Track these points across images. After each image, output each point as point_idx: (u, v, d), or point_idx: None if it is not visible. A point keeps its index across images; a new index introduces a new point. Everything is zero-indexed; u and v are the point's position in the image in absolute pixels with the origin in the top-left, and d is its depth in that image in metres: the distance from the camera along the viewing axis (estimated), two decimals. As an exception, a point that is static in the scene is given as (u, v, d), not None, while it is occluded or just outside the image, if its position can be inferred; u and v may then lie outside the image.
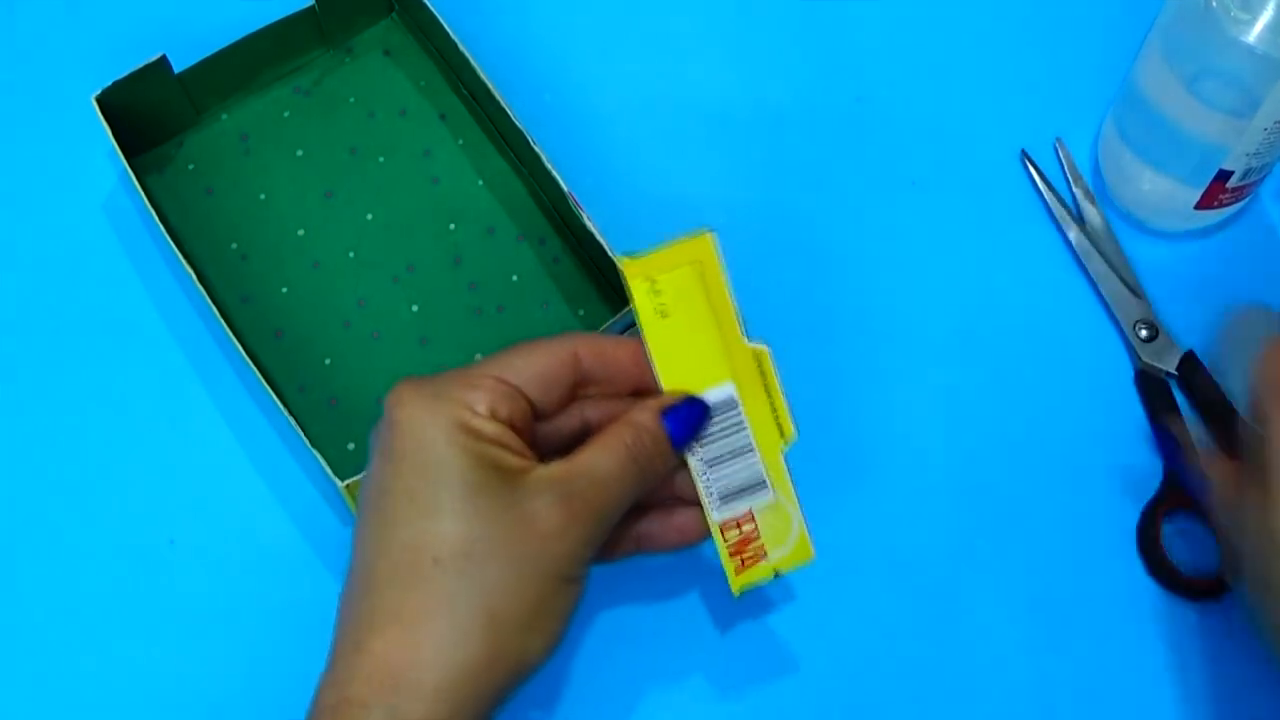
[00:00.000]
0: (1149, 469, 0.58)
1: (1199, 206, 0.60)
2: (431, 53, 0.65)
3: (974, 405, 0.60)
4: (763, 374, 0.49)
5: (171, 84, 0.61)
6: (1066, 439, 0.59)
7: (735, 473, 0.49)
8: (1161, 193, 0.60)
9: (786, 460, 0.49)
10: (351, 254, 0.62)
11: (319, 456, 0.53)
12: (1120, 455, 0.59)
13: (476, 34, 0.62)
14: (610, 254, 0.57)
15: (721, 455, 0.49)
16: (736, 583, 0.49)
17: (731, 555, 0.49)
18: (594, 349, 0.48)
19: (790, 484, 0.49)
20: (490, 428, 0.45)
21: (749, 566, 0.49)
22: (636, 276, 0.48)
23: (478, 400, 0.45)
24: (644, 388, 0.49)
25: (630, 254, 0.48)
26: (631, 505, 0.47)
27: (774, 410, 0.49)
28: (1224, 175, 0.58)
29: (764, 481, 0.49)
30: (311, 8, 0.63)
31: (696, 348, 0.48)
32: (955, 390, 0.60)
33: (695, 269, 0.48)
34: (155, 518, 0.57)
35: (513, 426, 0.45)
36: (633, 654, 0.55)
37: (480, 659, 0.43)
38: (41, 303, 0.61)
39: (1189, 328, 0.61)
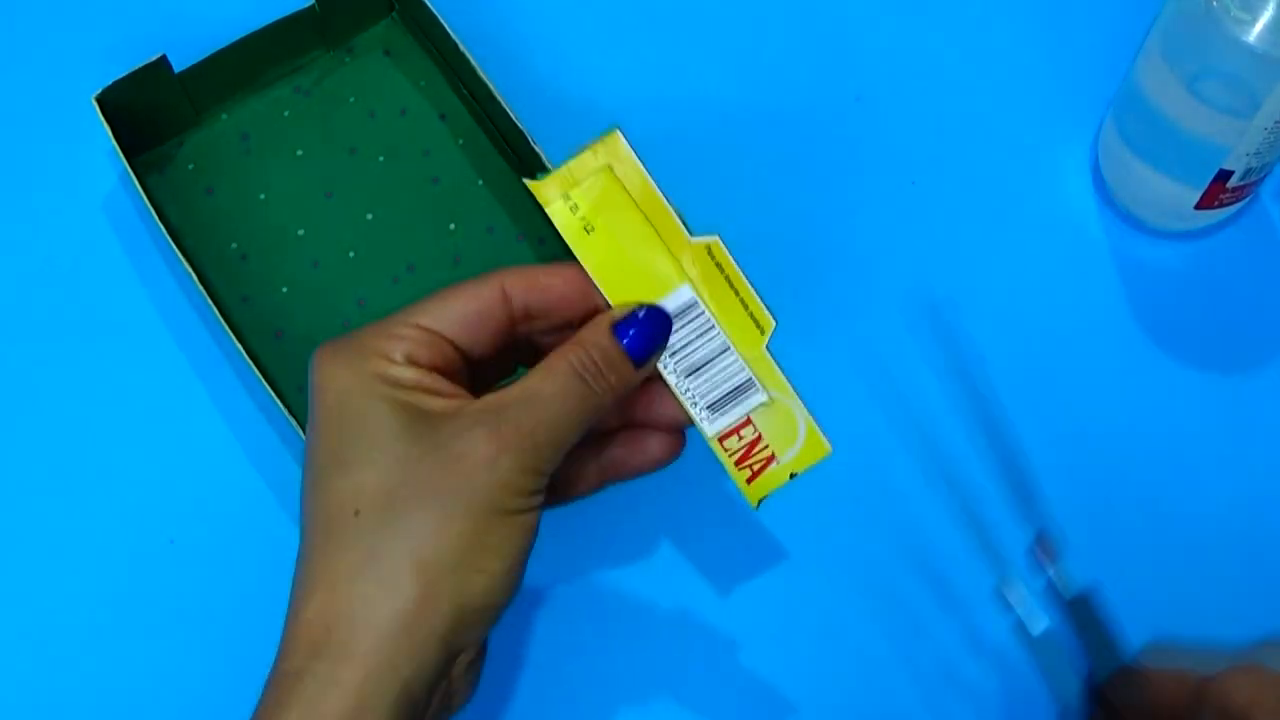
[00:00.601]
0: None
1: (1199, 206, 0.60)
2: (431, 53, 0.65)
3: (977, 407, 0.60)
4: (720, 267, 0.45)
5: (171, 84, 0.61)
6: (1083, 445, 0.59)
7: (717, 377, 0.45)
8: (1161, 193, 0.60)
9: (773, 354, 0.46)
10: (351, 254, 0.62)
11: (319, 456, 0.53)
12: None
13: (476, 34, 0.62)
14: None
15: (697, 362, 0.45)
16: (752, 494, 0.46)
17: (738, 466, 0.45)
18: (524, 281, 0.45)
19: (783, 378, 0.45)
20: (408, 374, 0.42)
21: (761, 474, 0.45)
22: (548, 196, 0.45)
23: (394, 349, 0.43)
24: (594, 314, 0.45)
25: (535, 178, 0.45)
26: (588, 429, 0.44)
27: (744, 303, 0.45)
28: (1224, 175, 0.58)
29: (752, 381, 0.45)
30: (311, 8, 0.63)
31: (637, 256, 0.45)
32: (957, 389, 0.60)
33: (609, 174, 0.45)
34: (155, 518, 0.57)
35: (437, 371, 0.43)
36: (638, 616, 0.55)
37: (411, 608, 0.40)
38: (41, 303, 0.61)
39: (1189, 328, 0.61)
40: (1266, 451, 0.59)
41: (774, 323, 0.45)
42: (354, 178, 0.63)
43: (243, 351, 0.55)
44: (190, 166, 0.63)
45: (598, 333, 0.44)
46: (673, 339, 0.45)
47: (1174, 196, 0.60)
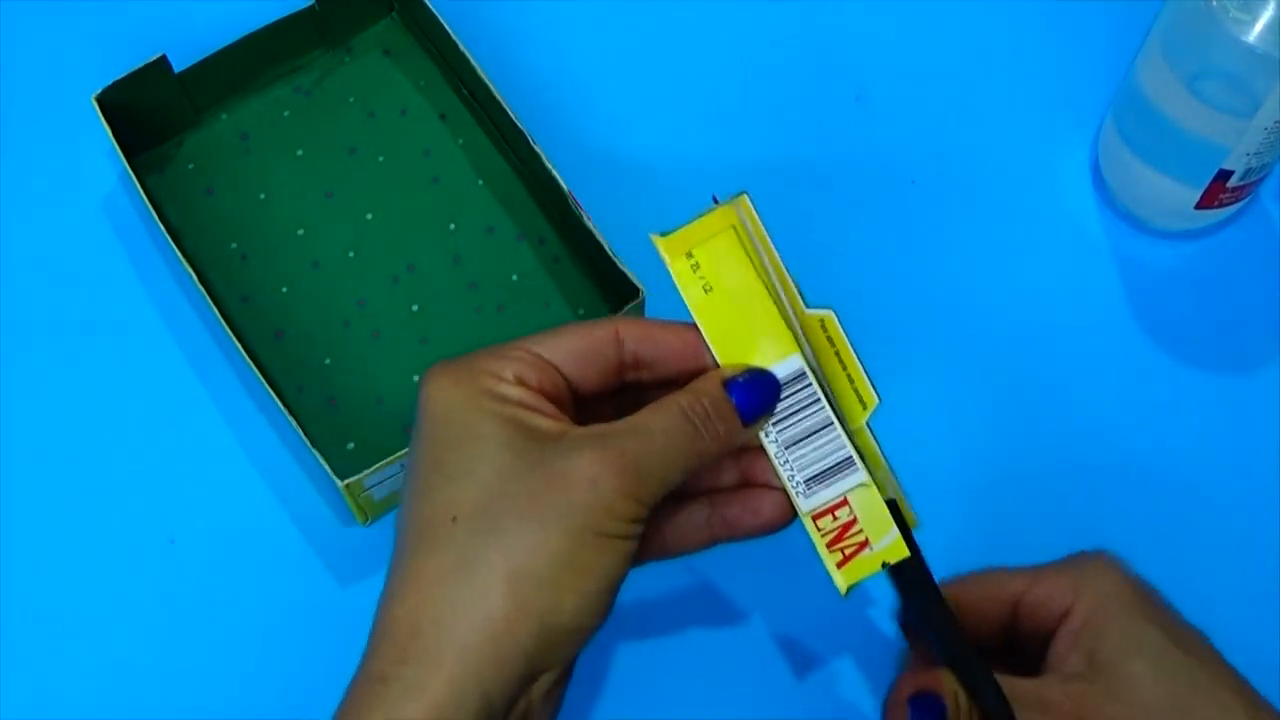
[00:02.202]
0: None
1: (1199, 206, 0.60)
2: (431, 53, 0.65)
3: (976, 407, 0.60)
4: (831, 340, 0.45)
5: (171, 84, 0.61)
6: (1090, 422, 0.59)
7: (818, 451, 0.44)
8: (1161, 193, 0.60)
9: (873, 430, 0.45)
10: (351, 254, 0.62)
11: (319, 456, 0.53)
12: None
13: (476, 34, 0.62)
14: (610, 254, 0.57)
15: (799, 435, 0.44)
16: (842, 580, 0.44)
17: (830, 548, 0.44)
18: (639, 330, 0.45)
19: (883, 458, 0.45)
20: (516, 392, 0.43)
21: (852, 559, 0.44)
22: (672, 253, 0.45)
23: (504, 368, 0.43)
24: (702, 373, 0.45)
25: (662, 232, 0.46)
26: (692, 473, 0.44)
27: (850, 379, 0.45)
28: (1224, 175, 0.58)
29: (851, 459, 0.44)
30: (311, 8, 0.63)
31: (752, 321, 0.44)
32: (956, 388, 0.60)
33: (734, 235, 0.44)
34: (155, 518, 0.57)
35: (544, 395, 0.43)
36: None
37: (499, 618, 0.40)
38: (41, 303, 0.61)
39: (1189, 328, 0.61)
40: (1266, 451, 0.59)
41: (877, 400, 0.45)
42: (354, 178, 0.63)
43: (243, 351, 0.55)
44: (190, 166, 0.63)
45: (709, 383, 0.44)
46: (778, 407, 0.45)
47: (1174, 196, 0.60)
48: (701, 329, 0.45)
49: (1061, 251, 0.63)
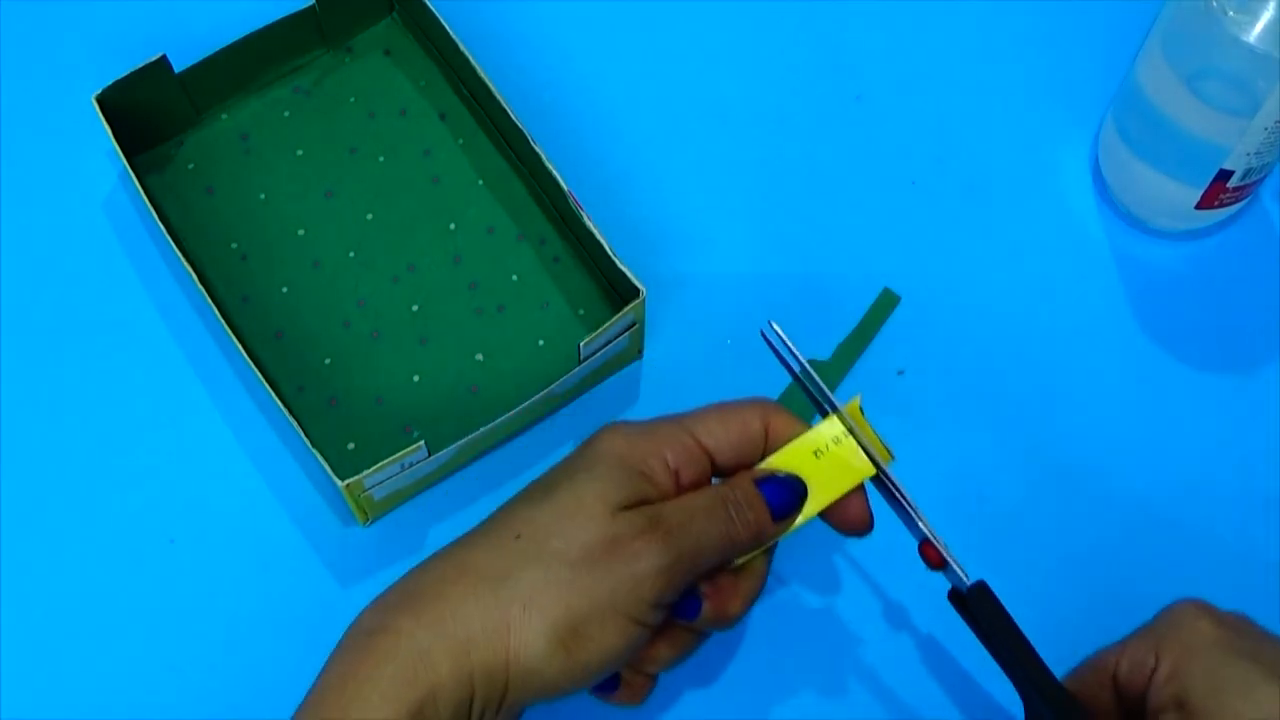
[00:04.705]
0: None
1: (1199, 206, 0.60)
2: (431, 53, 0.65)
3: (976, 407, 0.60)
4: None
5: (171, 84, 0.61)
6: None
7: None
8: (1162, 193, 0.60)
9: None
10: (351, 254, 0.62)
11: (319, 456, 0.53)
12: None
13: (476, 34, 0.62)
14: (610, 254, 0.57)
15: None
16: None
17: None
18: (783, 426, 0.49)
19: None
20: (662, 480, 0.46)
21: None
22: (837, 422, 0.49)
23: (670, 455, 0.47)
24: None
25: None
26: (723, 558, 0.47)
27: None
28: (1224, 175, 0.58)
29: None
30: (311, 8, 0.63)
31: (824, 481, 0.49)
32: (956, 388, 0.60)
33: (862, 464, 0.49)
34: (155, 518, 0.57)
35: (682, 485, 0.47)
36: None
37: (499, 646, 0.43)
38: (41, 302, 0.61)
39: (1189, 328, 0.61)
40: (1266, 451, 0.59)
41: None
42: (354, 178, 0.63)
43: (243, 351, 0.55)
44: (190, 166, 0.63)
45: (743, 477, 0.48)
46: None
47: (1174, 196, 0.60)
48: (782, 458, 0.49)
49: (1062, 251, 0.63)
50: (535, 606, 0.43)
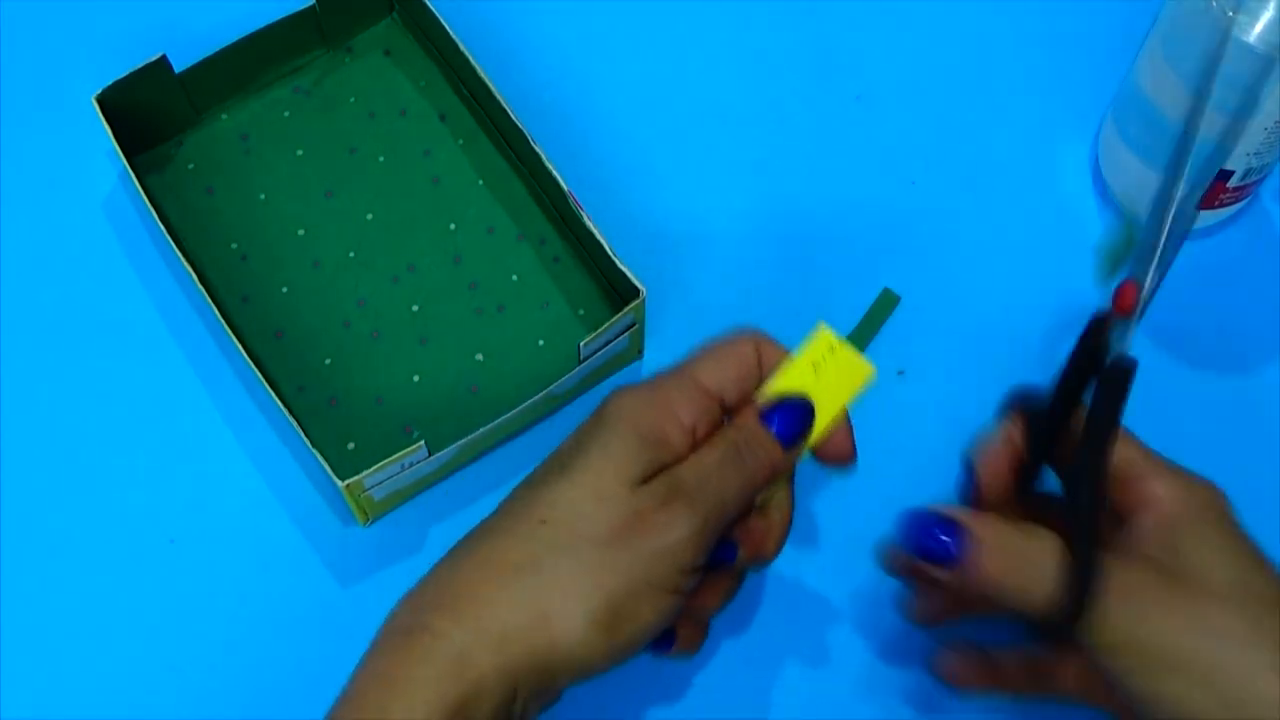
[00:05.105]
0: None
1: (1199, 206, 0.60)
2: (431, 53, 0.65)
3: (975, 406, 0.60)
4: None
5: (171, 84, 0.61)
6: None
7: None
8: (1162, 193, 0.60)
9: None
10: (351, 254, 0.62)
11: (319, 456, 0.53)
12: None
13: (476, 34, 0.62)
14: (610, 254, 0.57)
15: None
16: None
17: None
18: (774, 351, 0.49)
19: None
20: (679, 443, 0.46)
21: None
22: (822, 338, 0.49)
23: (684, 410, 0.46)
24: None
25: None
26: (745, 502, 0.47)
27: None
28: (1224, 175, 0.58)
29: None
30: (311, 8, 0.63)
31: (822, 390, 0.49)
32: (956, 388, 0.60)
33: (858, 370, 0.49)
34: (155, 518, 0.57)
35: (697, 438, 0.46)
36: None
37: (541, 638, 0.43)
38: (41, 303, 0.61)
39: (1189, 328, 0.61)
40: (1267, 451, 0.59)
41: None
42: (354, 178, 0.63)
43: (243, 351, 0.55)
44: (190, 166, 0.63)
45: (746, 416, 0.48)
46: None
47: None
48: (779, 380, 0.48)
49: (1062, 251, 0.63)
50: (572, 594, 0.43)
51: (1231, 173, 0.57)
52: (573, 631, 0.43)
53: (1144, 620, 0.44)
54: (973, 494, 0.49)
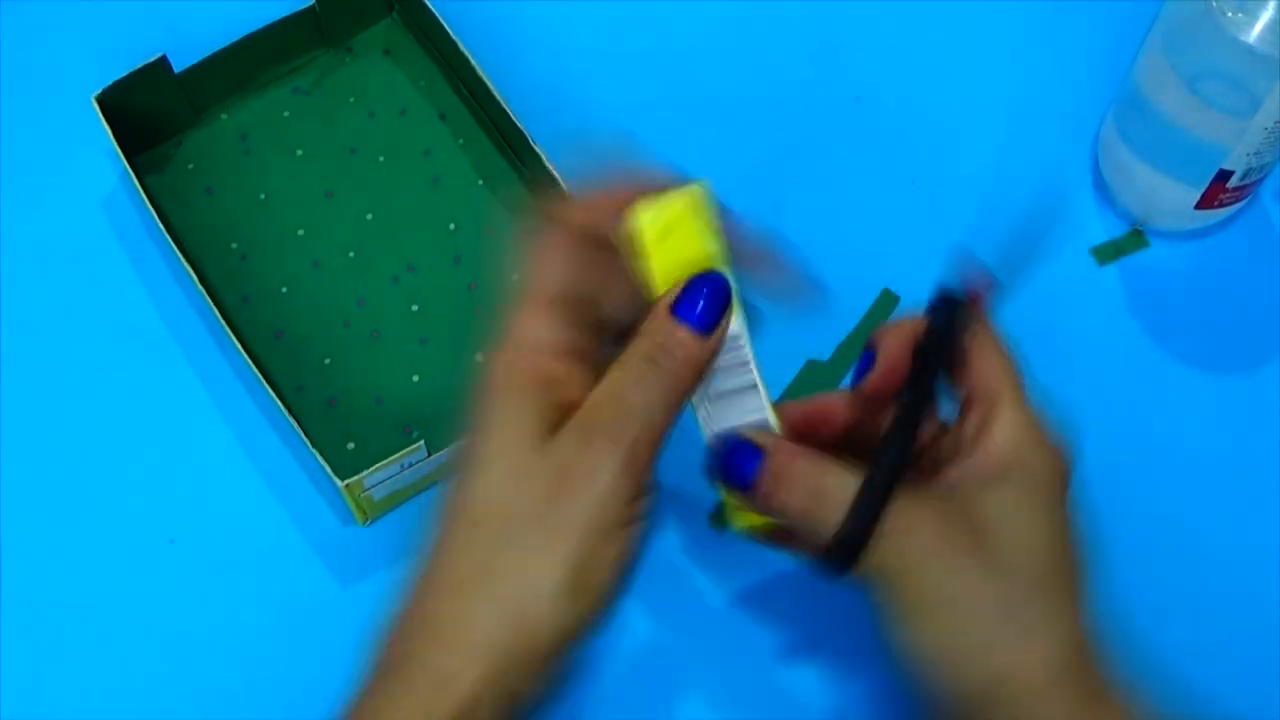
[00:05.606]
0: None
1: (1199, 206, 0.60)
2: (431, 53, 0.65)
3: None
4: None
5: (171, 84, 0.61)
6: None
7: (736, 411, 0.45)
8: (1161, 193, 0.60)
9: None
10: (351, 254, 0.62)
11: (319, 456, 0.53)
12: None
13: (476, 34, 0.62)
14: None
15: (723, 392, 0.45)
16: (738, 520, 0.47)
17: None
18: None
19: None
20: (565, 369, 0.43)
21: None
22: (635, 220, 0.45)
23: (547, 335, 0.44)
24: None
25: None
26: (677, 412, 0.44)
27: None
28: (1224, 175, 0.58)
29: (767, 423, 0.46)
30: (311, 8, 0.63)
31: (693, 261, 0.45)
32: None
33: (687, 199, 0.45)
34: (155, 518, 0.57)
35: (561, 350, 0.44)
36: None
37: (525, 621, 0.42)
38: (41, 303, 0.61)
39: (1189, 328, 0.61)
40: (1267, 451, 0.59)
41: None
42: (354, 178, 0.63)
43: (243, 351, 0.55)
44: (190, 166, 0.63)
45: (656, 318, 0.44)
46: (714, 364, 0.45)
47: (1174, 196, 0.60)
48: (650, 273, 0.44)
49: (1061, 251, 0.63)
50: (532, 581, 0.42)
51: (1231, 173, 0.57)
52: (546, 613, 0.42)
53: (916, 559, 0.43)
54: (865, 377, 0.47)
